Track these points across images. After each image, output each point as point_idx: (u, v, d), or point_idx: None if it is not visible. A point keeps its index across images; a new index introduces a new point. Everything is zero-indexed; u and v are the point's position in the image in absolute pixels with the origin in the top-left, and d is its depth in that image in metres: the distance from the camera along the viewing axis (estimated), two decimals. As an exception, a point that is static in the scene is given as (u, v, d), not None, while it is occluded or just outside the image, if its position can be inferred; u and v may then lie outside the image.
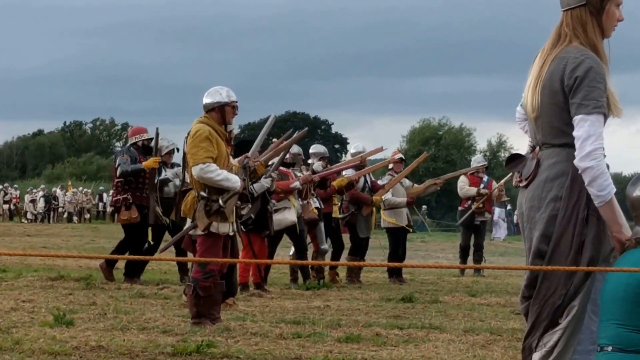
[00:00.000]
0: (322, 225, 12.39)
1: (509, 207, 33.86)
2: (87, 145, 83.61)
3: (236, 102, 7.94)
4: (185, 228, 7.79)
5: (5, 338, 6.61)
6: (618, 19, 3.90)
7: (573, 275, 3.76)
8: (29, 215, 42.82)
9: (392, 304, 9.77)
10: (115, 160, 11.81)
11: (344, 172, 12.77)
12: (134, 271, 11.46)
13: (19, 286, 10.48)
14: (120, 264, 12.30)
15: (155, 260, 13.69)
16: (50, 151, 79.73)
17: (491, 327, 7.92)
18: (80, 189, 47.96)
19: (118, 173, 11.47)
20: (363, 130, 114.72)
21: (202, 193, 7.59)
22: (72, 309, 8.36)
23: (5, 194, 43.74)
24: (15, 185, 47.44)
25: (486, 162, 16.19)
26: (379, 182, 13.35)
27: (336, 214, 12.80)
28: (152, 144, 11.69)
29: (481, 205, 15.06)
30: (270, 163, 9.99)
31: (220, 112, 7.84)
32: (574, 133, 3.75)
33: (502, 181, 15.48)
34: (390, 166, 13.61)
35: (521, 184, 3.96)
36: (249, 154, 8.61)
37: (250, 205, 9.15)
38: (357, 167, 12.79)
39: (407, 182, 13.71)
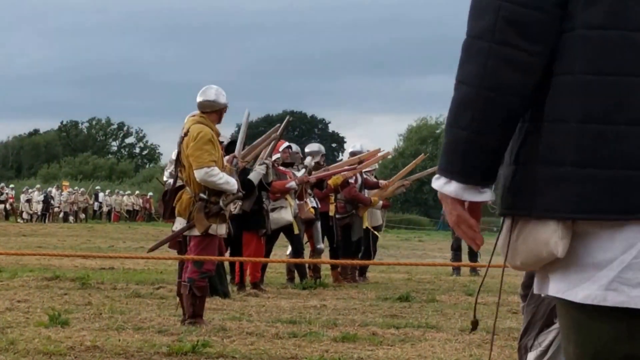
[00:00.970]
0: (318, 224, 12.38)
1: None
2: (83, 145, 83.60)
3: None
4: (180, 228, 7.70)
5: (0, 338, 6.59)
6: None
7: (569, 274, 3.75)
8: (24, 215, 42.79)
9: (388, 303, 9.76)
10: None
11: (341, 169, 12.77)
12: None
13: (14, 286, 10.46)
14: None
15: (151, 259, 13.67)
16: (45, 151, 79.69)
17: (488, 327, 7.90)
18: (77, 188, 47.97)
19: None
20: (361, 129, 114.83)
21: (202, 195, 7.54)
22: (67, 309, 8.34)
23: (1, 193, 43.69)
24: (12, 186, 47.41)
25: None
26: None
27: (332, 212, 12.78)
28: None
29: None
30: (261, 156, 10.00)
31: (219, 115, 7.82)
32: None
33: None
34: (372, 167, 13.55)
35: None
36: (236, 153, 8.59)
37: (242, 202, 9.08)
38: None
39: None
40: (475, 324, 2.25)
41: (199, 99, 7.82)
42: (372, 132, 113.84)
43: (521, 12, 1.94)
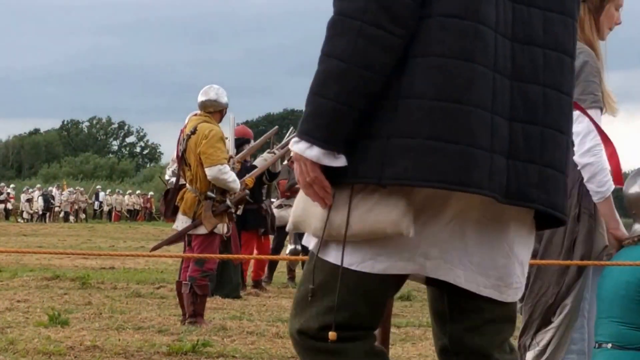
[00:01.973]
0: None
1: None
2: (83, 144, 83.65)
3: None
4: (185, 227, 7.66)
5: (0, 338, 6.58)
6: (615, 21, 3.88)
7: (565, 274, 3.75)
8: (25, 215, 42.78)
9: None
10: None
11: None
12: None
13: (14, 286, 10.45)
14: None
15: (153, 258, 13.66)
16: (46, 150, 79.72)
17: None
18: (78, 187, 47.98)
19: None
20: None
21: (210, 193, 7.53)
22: (67, 309, 8.33)
23: (1, 193, 43.70)
24: (13, 185, 47.43)
25: None
26: None
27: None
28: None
29: None
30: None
31: (220, 114, 7.85)
32: (573, 129, 3.72)
33: None
34: None
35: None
36: (231, 153, 8.59)
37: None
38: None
39: None
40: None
41: (200, 98, 7.82)
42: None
43: None
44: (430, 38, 2.13)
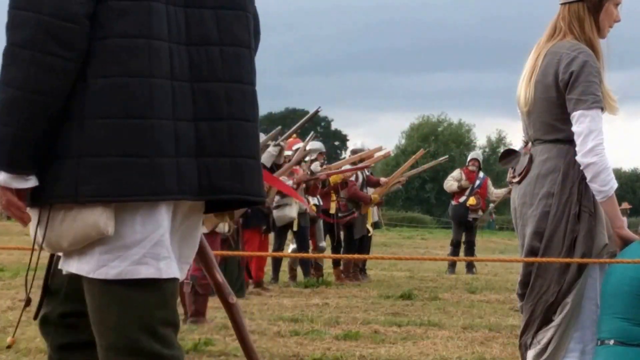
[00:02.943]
0: (321, 223, 12.38)
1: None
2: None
3: None
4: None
5: (1, 337, 6.59)
6: (615, 19, 3.88)
7: (566, 272, 3.75)
8: (28, 214, 42.85)
9: (390, 301, 9.76)
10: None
11: (342, 168, 12.77)
12: None
13: (16, 285, 10.46)
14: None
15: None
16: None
17: (490, 324, 7.91)
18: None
19: None
20: (366, 127, 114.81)
21: None
22: (69, 308, 8.34)
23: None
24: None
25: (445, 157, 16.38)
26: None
27: (333, 210, 12.78)
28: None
29: (475, 202, 14.99)
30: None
31: None
32: (574, 129, 3.73)
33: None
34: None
35: (514, 180, 3.95)
36: None
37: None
38: (354, 164, 12.81)
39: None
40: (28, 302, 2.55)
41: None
42: (377, 130, 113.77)
43: (57, 24, 2.22)
44: (108, 59, 2.27)
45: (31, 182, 2.30)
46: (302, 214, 11.60)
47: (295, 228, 11.57)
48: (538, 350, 3.81)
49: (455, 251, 15.29)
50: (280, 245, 11.79)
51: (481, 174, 15.34)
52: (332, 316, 8.25)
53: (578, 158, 3.69)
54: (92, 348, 2.43)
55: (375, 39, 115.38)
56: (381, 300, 9.85)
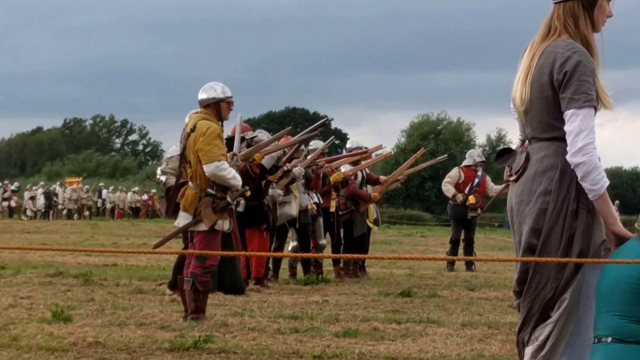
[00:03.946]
0: (321, 220, 12.40)
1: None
2: (86, 142, 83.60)
3: (231, 97, 7.93)
4: (186, 223, 7.70)
5: (3, 334, 6.62)
6: (608, 14, 3.90)
7: (564, 268, 3.76)
8: (28, 212, 42.80)
9: (390, 299, 9.78)
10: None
11: (341, 168, 12.80)
12: None
13: (17, 283, 10.49)
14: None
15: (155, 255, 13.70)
16: (49, 148, 79.71)
17: (489, 321, 7.94)
18: (80, 185, 47.95)
19: None
20: (368, 126, 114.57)
21: (210, 190, 7.57)
22: (70, 305, 8.37)
23: (5, 191, 43.72)
24: (16, 183, 47.43)
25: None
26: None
27: (333, 208, 12.80)
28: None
29: (474, 201, 14.99)
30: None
31: (216, 108, 7.85)
32: (566, 128, 3.74)
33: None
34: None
35: (511, 178, 3.96)
36: (235, 151, 8.62)
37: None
38: (353, 163, 12.83)
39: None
40: None
41: (200, 96, 7.91)
42: (378, 129, 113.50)
43: None
44: None
45: None
46: (302, 211, 11.63)
47: (296, 226, 11.61)
48: (536, 347, 3.82)
49: (454, 249, 15.31)
50: (280, 244, 11.81)
51: (479, 172, 15.34)
52: (332, 313, 8.28)
53: (568, 157, 3.71)
54: None
55: (375, 39, 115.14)
56: (381, 298, 9.87)
